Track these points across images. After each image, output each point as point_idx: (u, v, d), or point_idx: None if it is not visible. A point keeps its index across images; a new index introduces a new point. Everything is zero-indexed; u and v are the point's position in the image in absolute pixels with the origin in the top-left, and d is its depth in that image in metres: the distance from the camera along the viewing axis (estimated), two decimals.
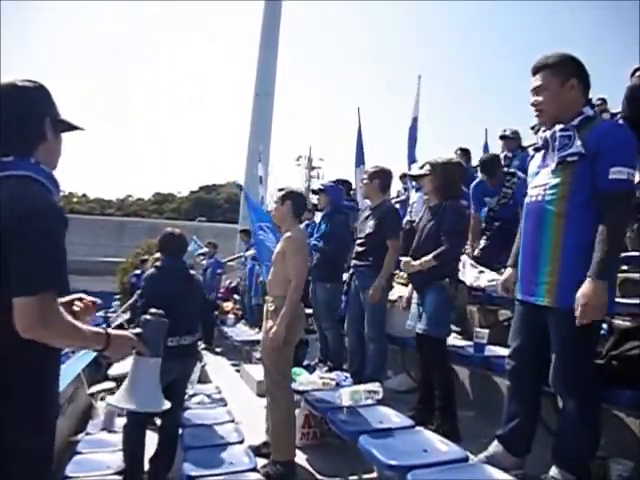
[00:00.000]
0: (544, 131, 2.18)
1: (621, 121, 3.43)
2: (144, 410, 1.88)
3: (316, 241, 4.45)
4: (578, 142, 1.97)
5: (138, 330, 1.55)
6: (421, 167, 3.48)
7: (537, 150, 2.30)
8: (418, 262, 3.16)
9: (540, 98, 2.10)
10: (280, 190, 3.30)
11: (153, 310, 1.74)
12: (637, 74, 3.93)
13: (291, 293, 2.92)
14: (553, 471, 2.05)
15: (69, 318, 1.26)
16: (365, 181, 3.98)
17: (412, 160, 6.33)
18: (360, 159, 7.18)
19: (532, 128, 5.88)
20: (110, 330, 1.41)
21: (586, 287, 1.85)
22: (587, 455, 2.03)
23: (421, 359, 3.30)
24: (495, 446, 2.28)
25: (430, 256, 3.09)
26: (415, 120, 6.45)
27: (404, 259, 3.36)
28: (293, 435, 2.94)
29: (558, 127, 2.05)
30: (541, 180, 2.11)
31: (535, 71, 2.11)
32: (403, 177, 7.19)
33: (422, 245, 3.23)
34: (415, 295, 3.32)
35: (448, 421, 2.92)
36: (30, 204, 1.22)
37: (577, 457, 2.02)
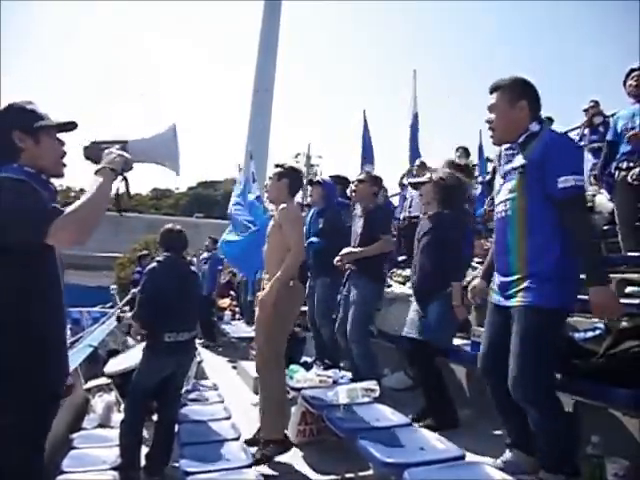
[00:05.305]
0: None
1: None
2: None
3: (313, 237, 4.41)
4: (520, 157, 2.13)
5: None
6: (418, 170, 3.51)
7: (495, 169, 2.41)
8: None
9: (492, 116, 2.23)
10: (277, 166, 3.16)
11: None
12: (632, 75, 3.91)
13: (289, 259, 2.81)
14: (542, 474, 2.07)
15: (72, 208, 1.45)
16: (360, 186, 3.89)
17: (416, 156, 6.33)
18: (370, 158, 7.21)
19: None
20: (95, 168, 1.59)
21: (594, 296, 1.95)
22: (566, 452, 2.06)
23: (411, 364, 3.33)
24: (509, 451, 2.29)
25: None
26: (416, 116, 6.47)
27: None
28: (282, 413, 2.90)
29: (504, 147, 2.26)
30: (502, 196, 2.24)
31: (491, 91, 2.24)
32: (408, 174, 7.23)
33: (422, 254, 3.24)
34: (415, 303, 3.31)
35: (446, 415, 2.95)
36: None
37: (557, 457, 2.05)
